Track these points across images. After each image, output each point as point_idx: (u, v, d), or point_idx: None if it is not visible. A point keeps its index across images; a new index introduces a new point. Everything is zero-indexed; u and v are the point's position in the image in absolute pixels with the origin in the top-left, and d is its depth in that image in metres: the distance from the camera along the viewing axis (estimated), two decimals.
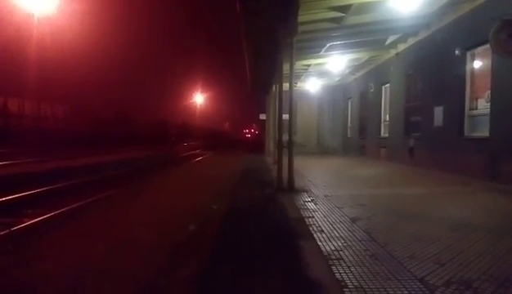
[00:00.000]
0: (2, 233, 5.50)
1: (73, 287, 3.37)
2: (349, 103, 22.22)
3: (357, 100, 20.20)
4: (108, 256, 4.24)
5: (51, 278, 3.57)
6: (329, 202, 6.54)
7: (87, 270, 3.75)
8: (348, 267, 3.34)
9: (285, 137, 8.63)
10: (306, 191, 7.76)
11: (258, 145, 30.53)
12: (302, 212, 5.73)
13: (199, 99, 71.11)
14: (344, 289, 2.89)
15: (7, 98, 23.72)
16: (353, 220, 5.07)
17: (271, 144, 18.67)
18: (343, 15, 9.73)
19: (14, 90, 25.10)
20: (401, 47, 13.75)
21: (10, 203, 7.72)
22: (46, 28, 26.86)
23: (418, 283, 2.97)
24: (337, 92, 23.18)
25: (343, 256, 3.65)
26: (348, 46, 13.29)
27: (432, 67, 11.51)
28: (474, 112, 9.60)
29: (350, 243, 4.05)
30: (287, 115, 8.50)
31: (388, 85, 15.82)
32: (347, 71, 18.47)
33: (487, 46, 8.12)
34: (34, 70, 27.51)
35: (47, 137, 24.10)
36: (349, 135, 22.21)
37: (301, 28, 8.41)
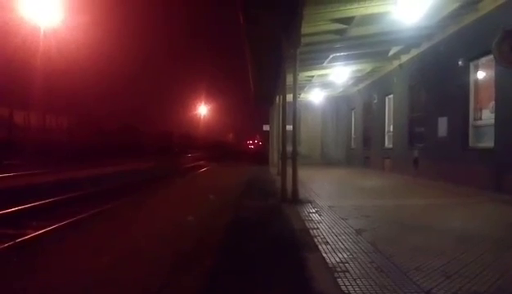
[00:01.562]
0: (6, 244, 5.51)
1: None
2: (353, 114, 22.23)
3: (361, 111, 20.21)
4: (112, 265, 4.23)
5: (55, 289, 3.57)
6: (333, 213, 6.50)
7: (92, 281, 3.74)
8: (354, 279, 3.31)
9: (289, 148, 8.64)
10: (310, 202, 7.74)
11: (261, 156, 30.52)
12: (306, 224, 5.71)
13: (202, 110, 71.40)
14: None
15: (13, 110, 23.92)
16: (358, 232, 5.04)
17: (274, 155, 18.68)
18: (345, 26, 9.79)
19: (19, 101, 25.34)
20: (405, 58, 13.80)
21: (14, 215, 7.75)
22: (51, 41, 27.19)
23: None
24: (340, 103, 23.23)
25: (349, 268, 3.62)
26: (351, 58, 13.35)
27: (435, 78, 11.53)
28: (479, 122, 9.58)
29: (355, 255, 4.02)
30: (291, 126, 8.52)
31: (391, 96, 15.83)
32: (350, 82, 18.52)
33: (491, 56, 8.13)
34: (40, 82, 27.81)
35: (52, 149, 24.23)
36: (353, 146, 22.18)
37: (304, 40, 8.47)
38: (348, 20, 9.53)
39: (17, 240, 5.74)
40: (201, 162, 31.29)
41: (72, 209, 8.52)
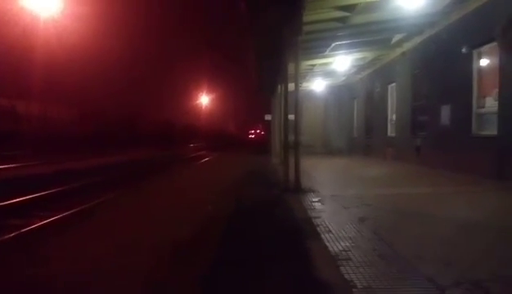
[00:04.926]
0: (12, 234, 5.55)
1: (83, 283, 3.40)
2: (355, 103, 22.14)
3: (363, 99, 20.12)
4: (115, 252, 4.27)
5: (62, 276, 3.60)
6: (336, 202, 6.52)
7: (96, 267, 3.78)
8: (357, 267, 3.32)
9: (291, 138, 8.62)
10: (313, 191, 7.74)
11: (263, 146, 30.54)
12: (309, 213, 5.72)
13: (204, 100, 71.16)
14: (353, 289, 2.89)
15: (15, 100, 23.87)
16: (361, 220, 5.05)
17: (277, 145, 18.67)
18: (348, 14, 9.69)
19: (21, 92, 25.24)
20: (407, 46, 13.66)
21: (19, 205, 7.80)
22: (51, 31, 26.95)
23: (427, 283, 2.95)
24: (342, 92, 23.09)
25: (351, 256, 3.64)
26: (353, 46, 13.23)
27: (438, 65, 11.43)
28: (482, 110, 9.52)
29: (358, 243, 4.03)
30: (293, 115, 8.49)
31: (394, 84, 15.73)
32: (352, 71, 18.39)
33: (495, 44, 8.05)
34: (41, 72, 27.65)
35: (54, 139, 24.27)
36: (355, 135, 22.13)
37: (306, 28, 8.39)
38: (350, 8, 9.42)
39: (22, 230, 5.78)
40: (203, 152, 31.30)
41: (74, 199, 8.54)
